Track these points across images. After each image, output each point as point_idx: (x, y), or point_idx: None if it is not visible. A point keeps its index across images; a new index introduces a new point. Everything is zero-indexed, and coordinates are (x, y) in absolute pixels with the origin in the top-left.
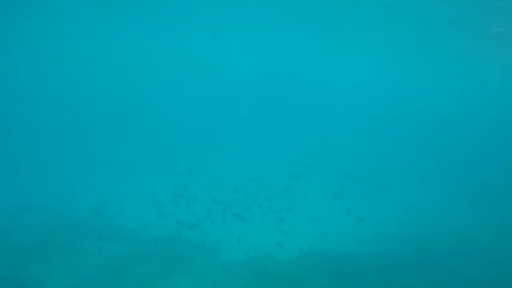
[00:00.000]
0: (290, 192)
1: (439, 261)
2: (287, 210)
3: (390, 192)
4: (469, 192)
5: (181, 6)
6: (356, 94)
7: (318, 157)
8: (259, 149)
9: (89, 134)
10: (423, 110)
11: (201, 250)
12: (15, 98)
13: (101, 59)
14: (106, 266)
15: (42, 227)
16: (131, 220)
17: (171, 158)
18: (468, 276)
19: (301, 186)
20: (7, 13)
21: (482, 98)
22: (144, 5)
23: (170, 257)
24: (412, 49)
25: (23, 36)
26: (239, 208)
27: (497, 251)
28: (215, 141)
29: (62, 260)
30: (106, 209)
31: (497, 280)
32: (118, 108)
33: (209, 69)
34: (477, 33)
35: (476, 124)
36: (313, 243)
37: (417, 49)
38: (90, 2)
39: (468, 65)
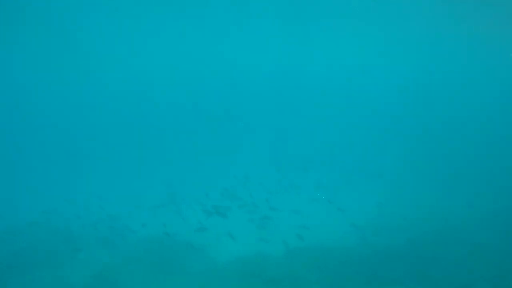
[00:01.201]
0: (276, 188)
1: (425, 251)
2: (272, 207)
3: (374, 181)
4: (453, 180)
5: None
6: (338, 85)
7: (303, 150)
8: (243, 146)
9: (70, 139)
10: (405, 99)
11: (189, 251)
12: None
13: (87, 60)
14: (93, 276)
15: (23, 239)
16: (117, 226)
17: (156, 161)
18: (453, 263)
19: (287, 181)
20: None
21: (465, 87)
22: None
23: (158, 261)
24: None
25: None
26: (225, 206)
27: (480, 236)
28: (202, 141)
29: (45, 272)
30: (90, 217)
31: (481, 265)
32: (102, 112)
33: (197, 69)
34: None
35: (459, 112)
36: (300, 237)
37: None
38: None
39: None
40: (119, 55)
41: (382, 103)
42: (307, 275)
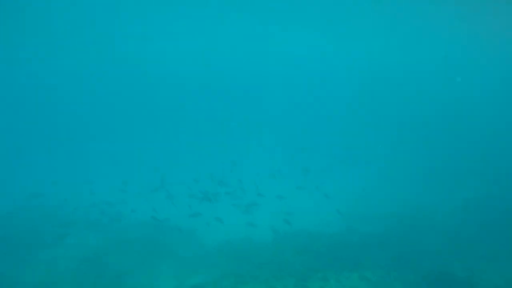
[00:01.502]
0: (264, 174)
1: (404, 237)
2: (260, 193)
3: (360, 169)
4: (435, 171)
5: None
6: (327, 76)
7: (291, 138)
8: (232, 134)
9: (61, 129)
10: (392, 85)
11: (179, 236)
12: None
13: (84, 49)
14: (84, 258)
15: (12, 223)
16: (107, 211)
17: (146, 147)
18: (431, 249)
19: (274, 167)
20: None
21: (451, 82)
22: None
23: (148, 245)
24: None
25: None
26: (213, 192)
27: (457, 223)
28: (192, 129)
29: (38, 254)
30: (78, 201)
31: (457, 250)
32: (94, 98)
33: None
34: None
35: (442, 106)
36: (287, 222)
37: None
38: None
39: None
40: (117, 46)
41: (370, 94)
42: (293, 259)
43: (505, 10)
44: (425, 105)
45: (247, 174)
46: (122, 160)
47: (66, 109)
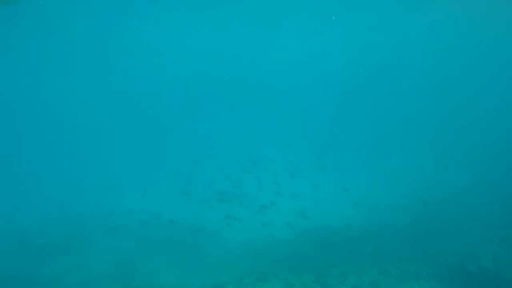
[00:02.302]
0: (282, 172)
1: (431, 228)
2: (277, 191)
3: (378, 159)
4: (461, 157)
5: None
6: (341, 70)
7: (309, 133)
8: (248, 133)
9: (88, 138)
10: (405, 72)
11: (202, 236)
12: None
13: (95, 59)
14: (115, 261)
15: (51, 232)
16: (133, 217)
17: (165, 153)
18: (458, 237)
19: (292, 165)
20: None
21: (465, 66)
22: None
23: (174, 246)
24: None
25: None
26: (233, 193)
27: (484, 208)
28: (210, 132)
29: (75, 258)
30: (108, 209)
31: (485, 236)
32: (113, 108)
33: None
34: None
35: (459, 89)
36: (306, 217)
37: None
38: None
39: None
40: (123, 53)
41: (386, 86)
42: (312, 255)
43: None
44: (442, 91)
45: (265, 172)
46: (139, 165)
47: (88, 121)
